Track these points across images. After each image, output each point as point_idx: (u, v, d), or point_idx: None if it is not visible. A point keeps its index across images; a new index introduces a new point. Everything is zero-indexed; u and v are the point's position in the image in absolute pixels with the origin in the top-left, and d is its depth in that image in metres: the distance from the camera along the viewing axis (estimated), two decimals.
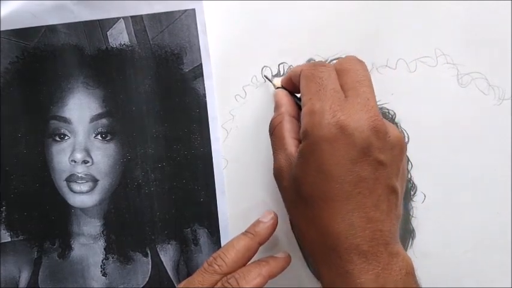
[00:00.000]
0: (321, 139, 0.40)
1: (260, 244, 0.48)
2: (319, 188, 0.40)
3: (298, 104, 0.48)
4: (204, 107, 0.54)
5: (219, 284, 0.45)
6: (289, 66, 0.54)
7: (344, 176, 0.39)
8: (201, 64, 0.54)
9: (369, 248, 0.39)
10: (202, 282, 0.46)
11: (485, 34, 0.54)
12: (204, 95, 0.54)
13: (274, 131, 0.46)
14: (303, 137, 0.41)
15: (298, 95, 0.46)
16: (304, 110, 0.42)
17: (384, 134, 0.40)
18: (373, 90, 0.42)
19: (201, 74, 0.54)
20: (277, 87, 0.51)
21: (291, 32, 0.54)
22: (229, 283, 0.45)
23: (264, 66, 0.54)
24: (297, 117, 0.46)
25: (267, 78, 0.53)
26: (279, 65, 0.54)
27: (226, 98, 0.54)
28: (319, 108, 0.41)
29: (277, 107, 0.48)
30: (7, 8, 0.54)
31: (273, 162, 0.46)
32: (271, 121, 0.47)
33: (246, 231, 0.49)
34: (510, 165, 0.54)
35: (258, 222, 0.49)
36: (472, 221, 0.54)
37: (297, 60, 0.54)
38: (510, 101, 0.54)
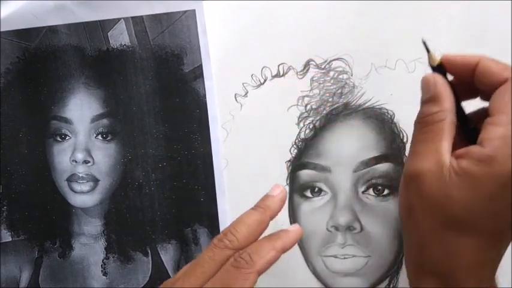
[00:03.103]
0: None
1: (271, 218, 0.46)
2: (477, 221, 0.38)
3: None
4: (204, 107, 0.54)
5: (231, 260, 0.42)
6: (289, 67, 0.54)
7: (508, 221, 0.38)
8: (201, 64, 0.54)
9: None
10: (212, 257, 0.43)
11: (484, 34, 0.54)
12: (204, 95, 0.54)
13: (431, 126, 0.40)
14: (483, 160, 0.37)
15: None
16: (499, 131, 0.37)
17: None
18: None
19: (201, 75, 0.54)
20: (434, 67, 0.41)
21: (291, 32, 0.54)
22: (242, 258, 0.42)
23: (264, 67, 0.54)
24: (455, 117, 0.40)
25: (425, 45, 0.42)
26: (278, 65, 0.54)
27: (226, 98, 0.54)
28: None
29: (438, 99, 0.40)
30: (8, 9, 0.54)
31: (409, 159, 0.41)
32: (427, 111, 0.40)
33: (255, 206, 0.46)
34: None
35: (267, 196, 0.46)
36: None
37: (297, 60, 0.54)
38: None
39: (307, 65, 0.54)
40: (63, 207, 0.56)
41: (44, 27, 0.54)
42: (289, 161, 0.54)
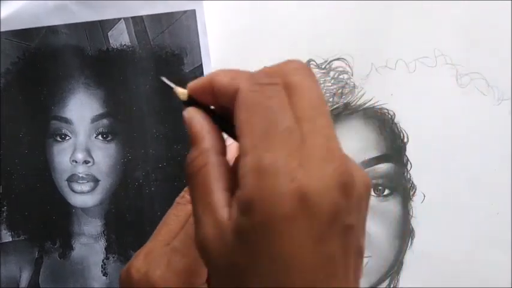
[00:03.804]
0: (277, 217, 0.27)
1: None
2: (274, 281, 0.28)
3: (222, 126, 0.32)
4: None
5: None
6: None
7: (308, 261, 0.28)
8: (201, 64, 0.54)
9: None
10: (176, 214, 0.41)
11: (484, 34, 0.54)
12: None
13: (195, 178, 0.31)
14: (244, 208, 0.28)
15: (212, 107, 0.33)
16: (246, 163, 0.28)
17: (351, 188, 0.29)
18: (330, 117, 0.30)
19: (202, 74, 0.54)
20: (187, 101, 0.33)
21: (291, 32, 0.54)
22: None
23: (264, 67, 0.54)
24: (224, 152, 0.32)
25: (165, 82, 0.36)
26: None
27: None
28: (270, 165, 0.27)
29: (195, 140, 0.32)
30: (8, 9, 0.54)
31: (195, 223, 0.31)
32: (188, 161, 0.31)
33: None
34: (510, 165, 0.54)
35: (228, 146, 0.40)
36: (471, 220, 0.55)
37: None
38: (509, 101, 0.54)
39: (307, 65, 0.54)
40: (63, 208, 0.56)
41: (43, 27, 0.54)
42: None
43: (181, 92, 0.33)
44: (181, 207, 0.41)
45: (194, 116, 0.32)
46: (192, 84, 0.33)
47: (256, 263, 0.28)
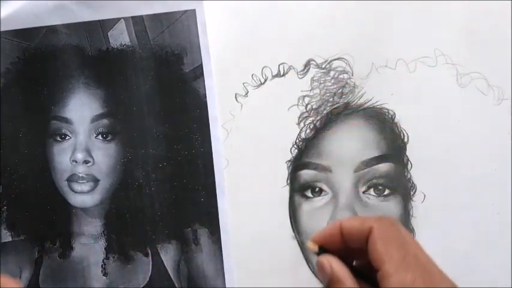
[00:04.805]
0: None
1: None
2: None
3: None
4: (204, 107, 0.54)
5: None
6: (290, 66, 0.54)
7: None
8: (201, 64, 0.54)
9: None
10: None
11: (485, 34, 0.54)
12: (205, 95, 0.54)
13: None
14: None
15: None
16: (391, 282, 0.36)
17: None
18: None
19: (202, 74, 0.54)
20: (318, 252, 0.40)
21: (291, 32, 0.54)
22: None
23: (264, 66, 0.54)
24: None
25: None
26: (279, 65, 0.54)
27: (226, 98, 0.54)
28: (411, 282, 0.36)
29: (338, 279, 0.39)
30: (8, 9, 0.54)
31: None
32: None
33: None
34: (510, 165, 0.54)
35: None
36: (471, 220, 0.54)
37: (297, 60, 0.54)
38: (509, 101, 0.54)
39: (307, 65, 0.54)
40: (63, 208, 0.56)
41: (43, 27, 0.54)
42: (290, 160, 0.54)
43: (312, 246, 0.39)
44: None
45: (333, 260, 0.39)
46: (319, 235, 0.40)
47: None
